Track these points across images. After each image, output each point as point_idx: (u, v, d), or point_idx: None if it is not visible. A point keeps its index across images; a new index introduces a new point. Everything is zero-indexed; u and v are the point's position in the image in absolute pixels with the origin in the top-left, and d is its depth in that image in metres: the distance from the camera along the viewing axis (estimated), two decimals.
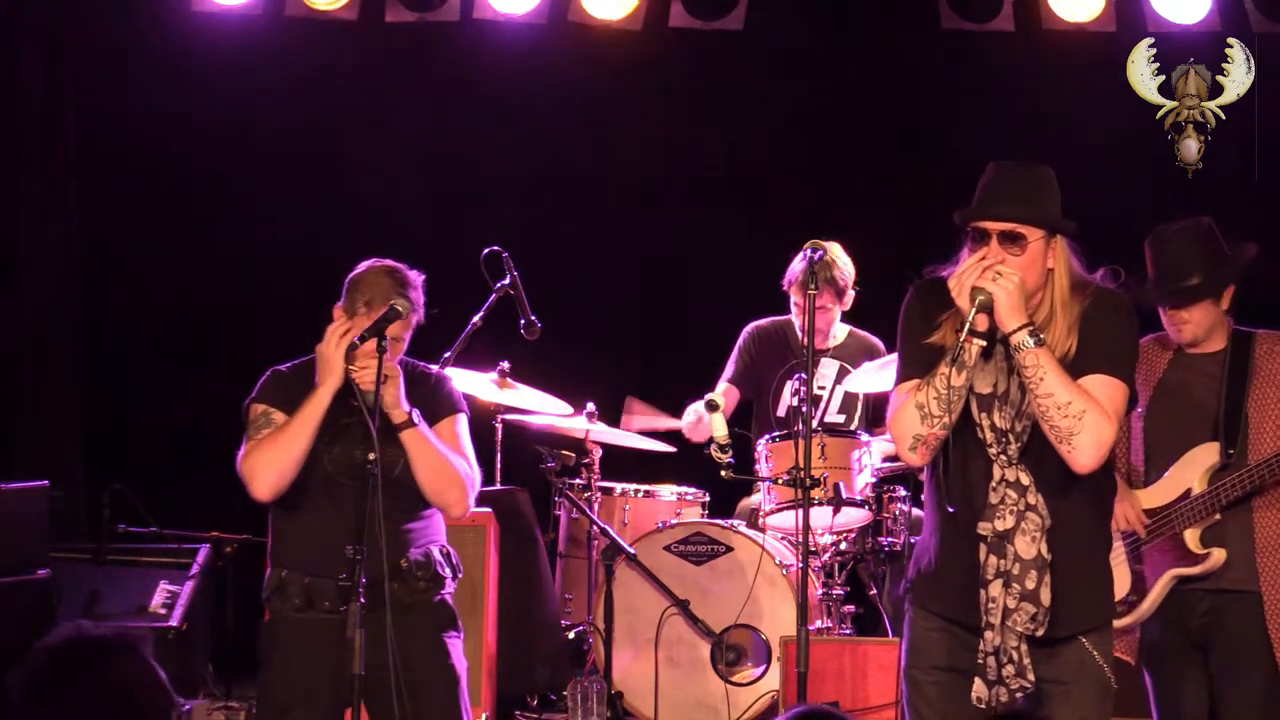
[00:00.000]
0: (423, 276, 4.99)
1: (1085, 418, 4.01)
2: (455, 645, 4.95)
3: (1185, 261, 5.14)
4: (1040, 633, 4.07)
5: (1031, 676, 4.07)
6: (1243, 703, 5.00)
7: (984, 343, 4.08)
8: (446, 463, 4.89)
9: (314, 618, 4.85)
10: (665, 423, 7.21)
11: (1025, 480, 4.09)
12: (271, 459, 4.81)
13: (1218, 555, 5.00)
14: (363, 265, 4.99)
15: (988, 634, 4.08)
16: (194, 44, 8.08)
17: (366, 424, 4.81)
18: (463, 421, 5.05)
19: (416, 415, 4.86)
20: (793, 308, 7.07)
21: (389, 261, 4.99)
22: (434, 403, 4.98)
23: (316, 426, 4.81)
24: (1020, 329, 4.03)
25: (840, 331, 7.19)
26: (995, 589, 4.07)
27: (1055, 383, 4.01)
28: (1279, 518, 5.03)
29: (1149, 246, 5.19)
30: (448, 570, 4.97)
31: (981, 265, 4.05)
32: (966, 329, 4.03)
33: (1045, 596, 4.06)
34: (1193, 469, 5.04)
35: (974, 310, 4.03)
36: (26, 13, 8.19)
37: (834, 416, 7.14)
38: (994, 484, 4.10)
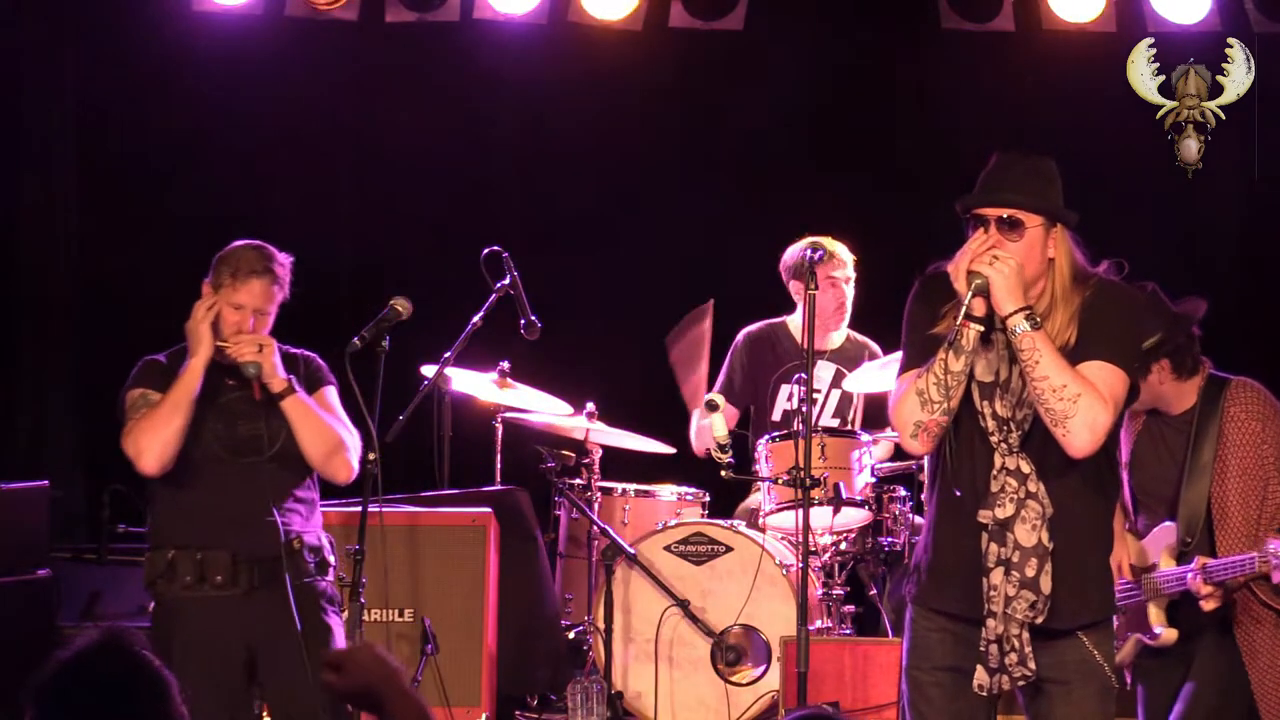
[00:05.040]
0: (291, 258, 5.13)
1: (1080, 401, 4.01)
2: (337, 629, 5.05)
3: None
4: (1040, 621, 4.07)
5: (1033, 665, 4.08)
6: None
7: (981, 327, 4.08)
8: (329, 427, 5.03)
9: (204, 594, 4.93)
10: (699, 371, 7.17)
11: (1026, 468, 4.10)
12: (154, 434, 4.92)
13: (1168, 636, 5.00)
14: (232, 244, 5.14)
15: (990, 622, 4.08)
16: (194, 44, 8.08)
17: (247, 397, 4.97)
18: (334, 393, 5.19)
19: (295, 382, 4.94)
20: (793, 296, 7.08)
21: (257, 241, 5.14)
22: (306, 377, 5.11)
23: (192, 398, 4.93)
24: (1016, 312, 4.03)
25: (838, 335, 7.19)
26: (996, 576, 4.08)
27: (1050, 365, 4.02)
28: (1253, 623, 5.00)
29: None
30: (332, 557, 5.12)
31: (978, 250, 4.07)
32: (962, 313, 4.04)
33: (1045, 584, 4.07)
34: (1158, 545, 5.03)
35: (970, 294, 4.04)
36: (27, 13, 8.19)
37: (828, 421, 7.13)
38: (995, 472, 4.11)
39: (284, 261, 5.09)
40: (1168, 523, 5.03)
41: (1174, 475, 5.05)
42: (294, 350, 5.18)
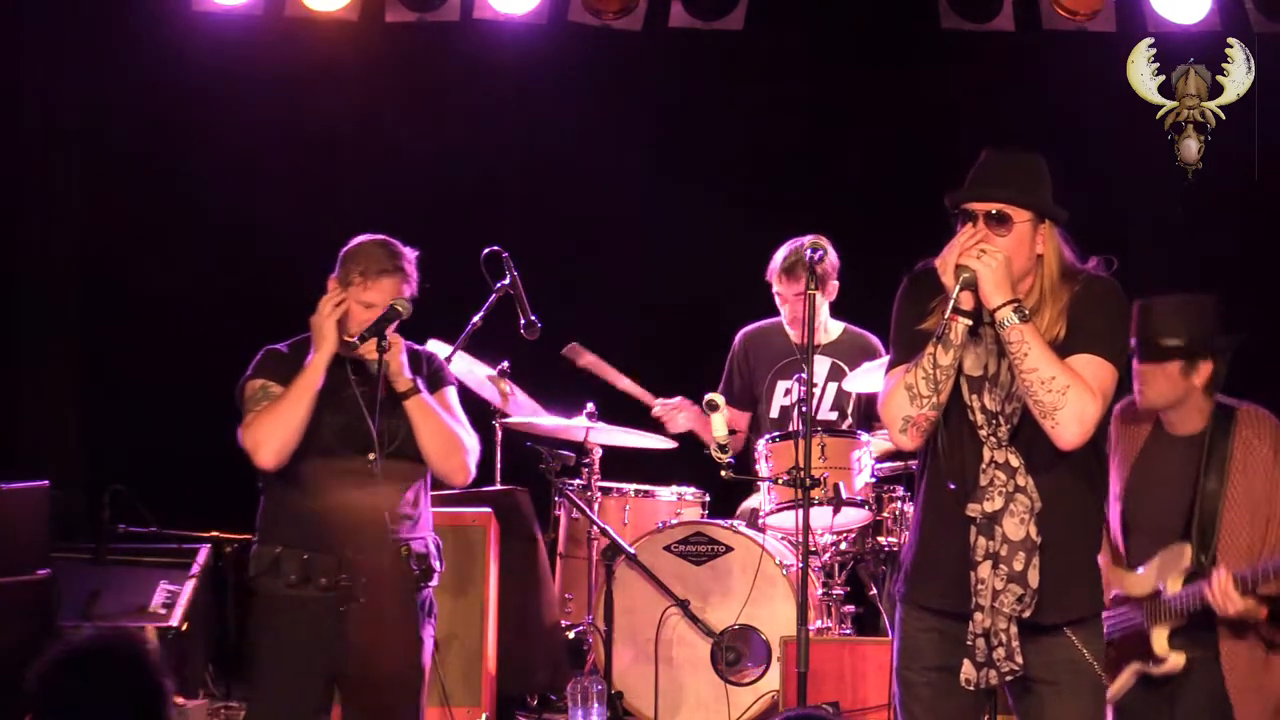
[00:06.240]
0: (416, 252, 5.07)
1: (1069, 393, 4.02)
2: (429, 642, 5.01)
3: (1171, 322, 5.00)
4: (1028, 614, 4.08)
5: (1020, 659, 4.09)
6: None
7: (969, 321, 4.10)
8: (450, 429, 4.97)
9: (307, 594, 4.87)
10: (622, 380, 7.20)
11: (1015, 462, 4.11)
12: (274, 427, 4.85)
13: (1175, 661, 4.95)
14: (357, 239, 5.06)
15: (977, 615, 4.09)
16: (194, 44, 8.08)
17: (366, 393, 4.86)
18: (454, 393, 5.15)
19: (420, 383, 4.91)
20: (775, 298, 7.06)
21: (382, 236, 5.06)
22: (429, 376, 5.06)
23: (314, 393, 4.86)
24: (1004, 305, 4.05)
25: (834, 329, 7.19)
26: (984, 570, 4.09)
27: (1039, 357, 4.03)
28: (1243, 633, 4.98)
29: (1138, 307, 5.00)
30: (438, 563, 5.05)
31: (966, 244, 4.08)
32: (950, 307, 4.06)
33: (1033, 578, 4.07)
34: (1166, 568, 4.97)
35: (957, 288, 4.05)
36: (27, 13, 8.19)
37: (826, 414, 7.13)
38: (984, 466, 4.12)
39: (411, 257, 5.04)
40: (1172, 546, 4.99)
41: (1180, 502, 5.01)
42: (417, 348, 5.14)
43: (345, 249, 5.06)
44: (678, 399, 7.18)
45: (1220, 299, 5.09)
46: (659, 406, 7.16)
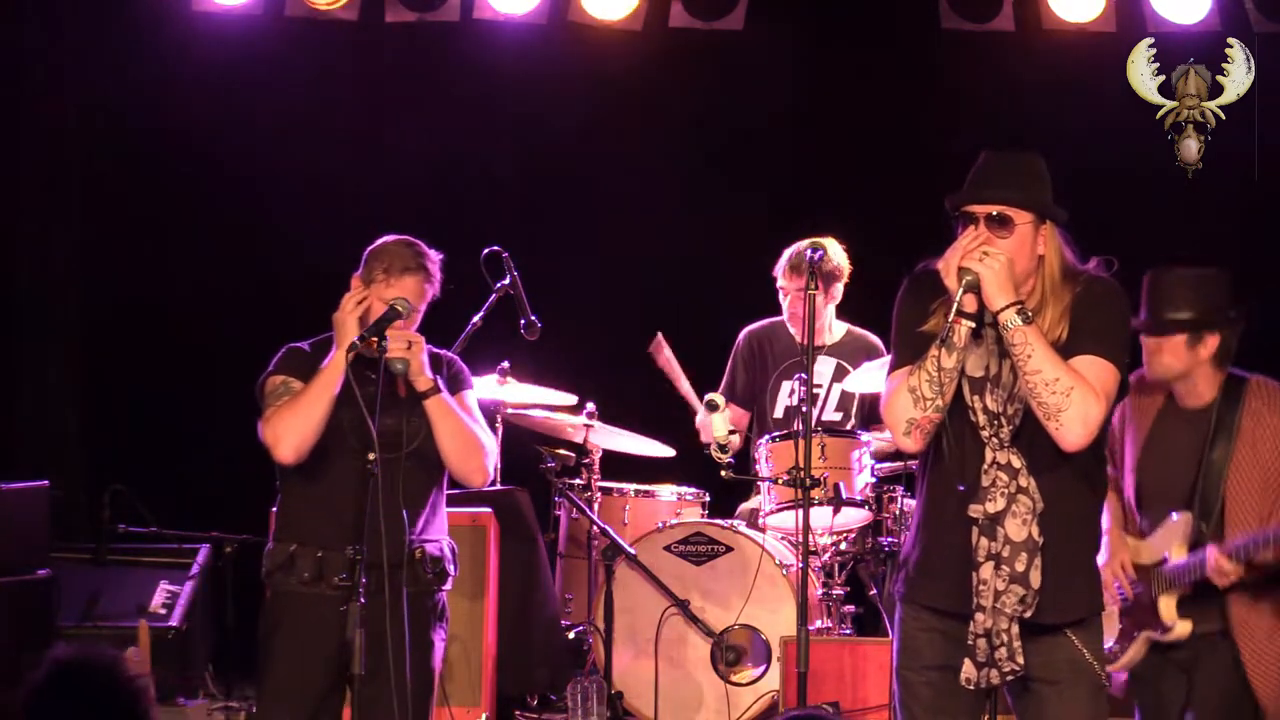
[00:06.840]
0: (441, 255, 5.07)
1: (1073, 394, 4.03)
2: (439, 645, 5.00)
3: (1178, 295, 5.04)
4: (1029, 615, 4.09)
5: (1021, 659, 4.09)
6: None
7: (972, 324, 4.10)
8: (469, 429, 4.96)
9: (320, 593, 4.86)
10: (684, 383, 7.21)
11: (1017, 463, 4.11)
12: (295, 422, 4.85)
13: (1182, 628, 4.96)
14: (383, 238, 5.06)
15: (978, 616, 4.10)
16: (194, 44, 8.08)
17: (388, 392, 4.86)
18: (474, 396, 5.14)
19: (440, 382, 4.90)
20: (779, 293, 7.06)
21: (408, 236, 5.06)
22: (449, 379, 5.06)
23: (335, 390, 4.85)
24: (1008, 307, 4.06)
25: (838, 329, 7.19)
26: (986, 571, 4.09)
27: (1043, 359, 4.04)
28: (1251, 595, 4.99)
29: (1148, 278, 5.09)
30: (452, 567, 5.04)
31: (969, 246, 4.08)
32: (954, 309, 4.07)
33: (1035, 579, 4.08)
34: (1170, 536, 4.99)
35: (961, 290, 4.05)
36: (27, 14, 8.19)
37: (831, 415, 7.13)
38: (985, 466, 4.12)
39: (435, 259, 5.03)
40: (1178, 514, 5.01)
41: (1187, 473, 5.02)
42: (438, 350, 5.12)
43: (370, 247, 5.07)
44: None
45: (1230, 273, 5.12)
46: (702, 415, 7.10)
